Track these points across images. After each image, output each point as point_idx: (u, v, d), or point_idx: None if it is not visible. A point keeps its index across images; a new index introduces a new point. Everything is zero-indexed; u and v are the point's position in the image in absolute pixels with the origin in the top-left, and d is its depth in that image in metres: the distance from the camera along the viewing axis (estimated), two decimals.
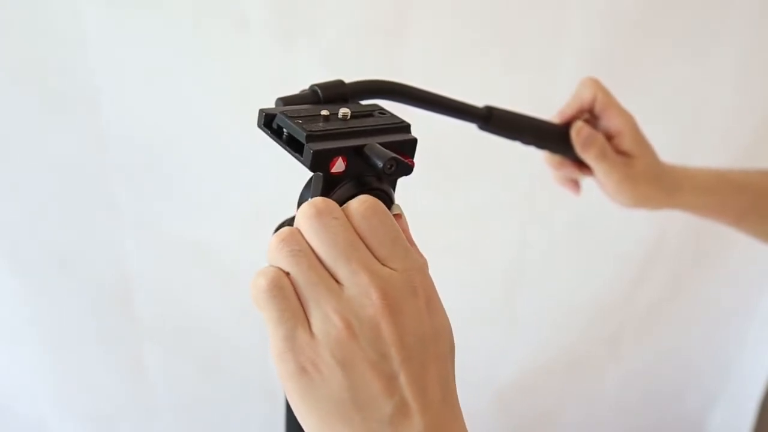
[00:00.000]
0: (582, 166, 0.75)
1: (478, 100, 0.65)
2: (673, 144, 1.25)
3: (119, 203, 1.16)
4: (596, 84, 0.74)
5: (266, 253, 0.39)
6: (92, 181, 1.13)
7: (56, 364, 1.29)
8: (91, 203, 1.15)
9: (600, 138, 0.71)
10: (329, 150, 0.42)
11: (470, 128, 0.66)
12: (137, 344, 1.30)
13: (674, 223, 1.31)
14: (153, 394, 1.35)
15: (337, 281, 0.37)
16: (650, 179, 0.74)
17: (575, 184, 0.79)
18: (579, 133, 0.71)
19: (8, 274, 1.16)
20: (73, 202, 1.15)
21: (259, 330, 1.31)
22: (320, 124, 0.43)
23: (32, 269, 1.18)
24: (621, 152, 0.72)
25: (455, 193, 1.25)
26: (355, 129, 0.44)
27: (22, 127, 1.07)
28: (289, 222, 0.52)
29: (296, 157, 0.43)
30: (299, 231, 0.39)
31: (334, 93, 0.49)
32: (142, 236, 1.20)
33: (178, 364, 1.34)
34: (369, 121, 0.45)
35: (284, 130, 0.44)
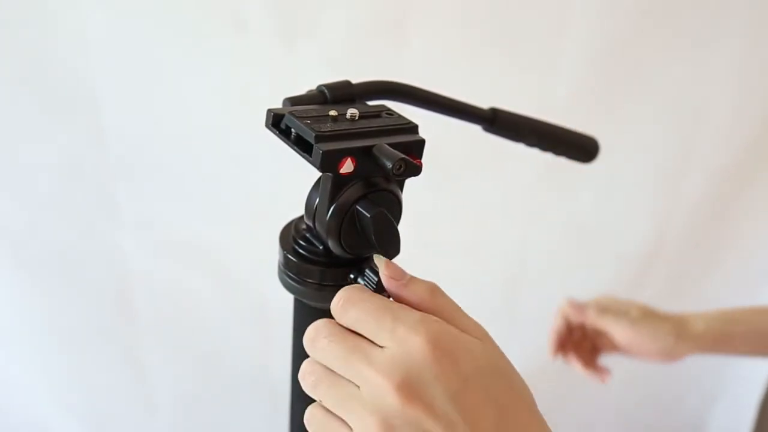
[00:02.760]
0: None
1: (478, 101, 0.65)
2: (673, 144, 1.26)
3: (119, 203, 1.16)
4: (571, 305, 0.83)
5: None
6: (92, 181, 1.13)
7: (56, 364, 1.28)
8: (91, 203, 1.15)
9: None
10: (338, 150, 0.42)
11: (470, 128, 0.66)
12: (137, 344, 1.29)
13: (674, 223, 1.31)
14: (153, 394, 1.35)
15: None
16: (657, 315, 0.79)
17: (602, 371, 0.84)
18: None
19: (8, 274, 1.16)
20: (73, 202, 1.14)
21: (259, 330, 1.31)
22: (329, 125, 0.43)
23: (32, 269, 1.17)
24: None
25: (455, 193, 1.25)
26: (363, 130, 0.44)
27: (22, 127, 1.07)
28: (295, 224, 0.52)
29: (305, 157, 0.43)
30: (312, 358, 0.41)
31: (341, 93, 0.49)
32: (142, 236, 1.20)
33: (178, 364, 1.34)
34: (377, 122, 0.45)
35: (292, 130, 0.44)
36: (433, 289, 0.41)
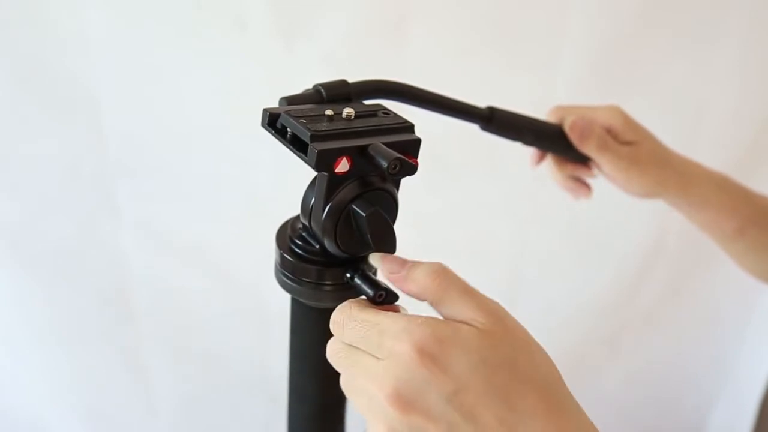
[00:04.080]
0: (584, 165, 0.75)
1: (478, 100, 0.65)
2: (673, 144, 1.26)
3: (119, 203, 1.16)
4: (558, 108, 0.74)
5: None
6: (92, 181, 1.13)
7: (56, 364, 1.29)
8: (91, 203, 1.15)
9: (596, 128, 0.70)
10: (334, 150, 0.42)
11: (470, 128, 0.66)
12: (137, 344, 1.30)
13: (674, 223, 1.31)
14: (153, 393, 1.35)
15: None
16: (659, 163, 0.73)
17: (583, 185, 0.77)
18: (573, 128, 0.70)
19: (8, 274, 1.16)
20: (73, 202, 1.14)
21: (259, 330, 1.31)
22: (324, 124, 0.43)
23: (32, 269, 1.17)
24: (621, 143, 0.72)
25: (455, 193, 1.25)
26: (359, 129, 0.44)
27: (22, 127, 1.07)
28: (291, 223, 0.52)
29: (300, 157, 0.43)
30: None
31: (337, 93, 0.49)
32: (142, 236, 1.20)
33: (177, 363, 1.34)
34: (373, 121, 0.45)
35: (288, 129, 0.44)
36: (437, 273, 0.41)
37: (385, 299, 0.44)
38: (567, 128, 0.70)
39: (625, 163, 0.71)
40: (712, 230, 0.79)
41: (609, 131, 0.72)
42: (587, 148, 0.70)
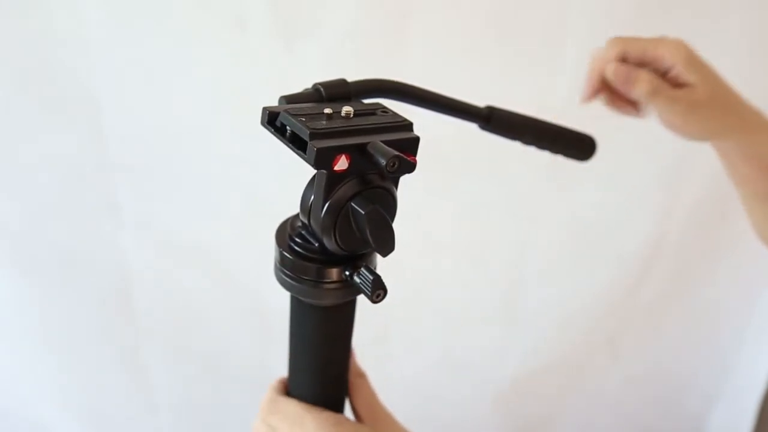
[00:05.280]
0: (632, 106, 0.71)
1: (478, 100, 0.65)
2: (674, 143, 1.26)
3: (119, 203, 1.16)
4: (617, 39, 0.67)
5: None
6: (92, 181, 1.13)
7: (56, 364, 1.29)
8: (91, 203, 1.15)
9: (642, 72, 0.65)
10: (332, 148, 0.42)
11: (470, 128, 0.66)
12: (137, 344, 1.30)
13: (675, 222, 1.31)
14: (153, 394, 1.35)
15: None
16: (720, 107, 0.67)
17: (632, 106, 0.71)
18: (616, 74, 0.65)
19: (7, 274, 1.16)
20: (73, 202, 1.14)
21: (259, 330, 1.31)
22: (323, 122, 0.43)
23: (32, 269, 1.18)
24: (679, 85, 0.67)
25: (455, 192, 1.25)
26: (358, 127, 0.44)
27: (22, 127, 1.07)
28: (291, 222, 0.52)
29: (300, 155, 0.43)
30: None
31: (337, 92, 0.49)
32: (142, 236, 1.20)
33: (178, 364, 1.34)
34: (372, 120, 0.45)
35: (288, 127, 0.44)
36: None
37: (381, 298, 0.45)
38: (609, 75, 0.66)
39: (681, 107, 0.66)
40: (745, 186, 0.75)
41: (668, 71, 0.67)
42: (634, 94, 0.66)
